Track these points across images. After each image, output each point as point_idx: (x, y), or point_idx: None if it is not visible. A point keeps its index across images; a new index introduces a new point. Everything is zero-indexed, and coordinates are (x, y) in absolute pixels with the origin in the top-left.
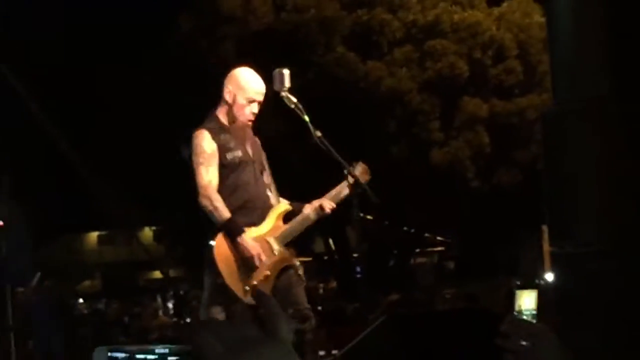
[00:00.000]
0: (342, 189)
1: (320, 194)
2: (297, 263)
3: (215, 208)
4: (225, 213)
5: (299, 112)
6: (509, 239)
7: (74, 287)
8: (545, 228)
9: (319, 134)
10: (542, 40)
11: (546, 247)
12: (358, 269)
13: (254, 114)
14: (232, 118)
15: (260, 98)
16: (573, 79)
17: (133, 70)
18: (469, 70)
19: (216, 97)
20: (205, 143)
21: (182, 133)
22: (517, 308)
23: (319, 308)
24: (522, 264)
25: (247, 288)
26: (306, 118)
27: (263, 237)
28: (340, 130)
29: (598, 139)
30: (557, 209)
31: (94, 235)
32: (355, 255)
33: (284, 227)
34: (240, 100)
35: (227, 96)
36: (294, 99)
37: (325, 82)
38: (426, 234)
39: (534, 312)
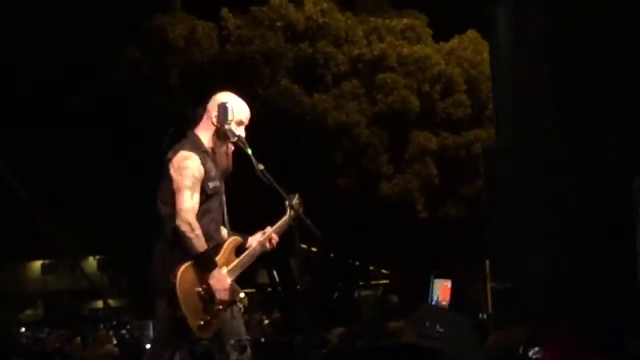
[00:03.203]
0: (284, 222)
1: (259, 225)
2: (243, 295)
3: (196, 236)
4: (204, 243)
5: (241, 144)
6: (443, 278)
7: (16, 316)
8: (488, 263)
9: (261, 167)
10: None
11: (489, 281)
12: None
13: (239, 137)
14: (218, 142)
15: (247, 121)
16: (515, 115)
17: (76, 96)
18: (419, 103)
19: (159, 124)
20: (195, 167)
21: (124, 162)
22: (433, 297)
23: (262, 340)
24: (465, 298)
25: (202, 323)
26: (249, 151)
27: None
28: (286, 162)
29: (539, 174)
30: (498, 245)
31: (37, 264)
32: (298, 287)
33: (235, 261)
34: (231, 122)
35: (215, 120)
36: (238, 132)
37: (271, 114)
38: (371, 267)
39: (448, 301)
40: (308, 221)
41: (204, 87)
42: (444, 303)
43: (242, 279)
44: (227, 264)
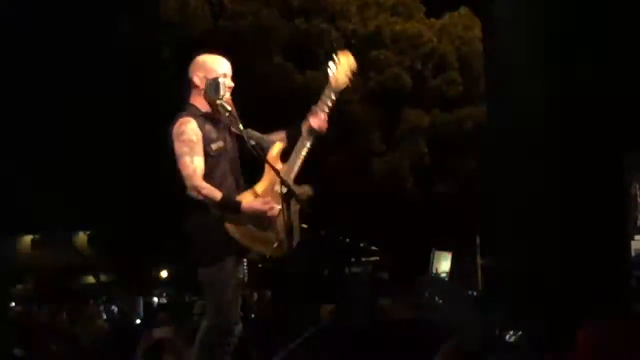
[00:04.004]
0: (331, 97)
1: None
2: (306, 190)
3: (205, 195)
4: (217, 193)
5: (233, 120)
6: (444, 250)
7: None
8: (479, 240)
9: (253, 142)
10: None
11: (480, 259)
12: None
13: (230, 87)
14: (211, 99)
15: (230, 73)
16: (507, 97)
17: (71, 72)
18: (411, 81)
19: (155, 99)
20: (192, 131)
21: (120, 137)
22: (434, 269)
23: (252, 316)
24: (455, 276)
25: (276, 244)
26: (241, 127)
27: (266, 190)
28: None
29: (530, 155)
30: (490, 224)
31: (27, 239)
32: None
33: (285, 167)
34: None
35: (198, 81)
36: (229, 108)
37: (264, 91)
38: (361, 244)
39: (448, 273)
40: (293, 189)
41: None
42: (443, 275)
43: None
44: (274, 180)
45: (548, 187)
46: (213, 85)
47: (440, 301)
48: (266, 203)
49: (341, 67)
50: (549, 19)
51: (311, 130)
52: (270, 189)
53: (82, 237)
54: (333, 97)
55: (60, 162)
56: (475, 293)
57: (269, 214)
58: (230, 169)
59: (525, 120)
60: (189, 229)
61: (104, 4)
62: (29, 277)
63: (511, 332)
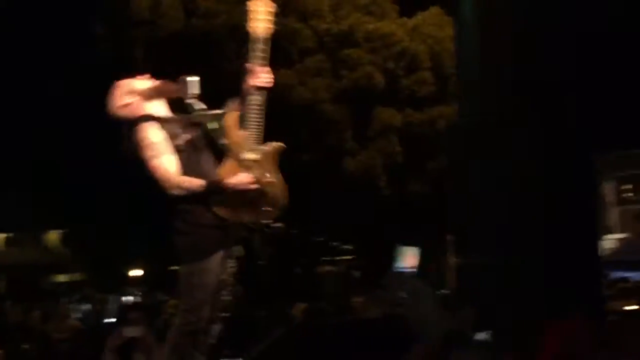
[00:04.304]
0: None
1: None
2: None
3: (188, 188)
4: (198, 182)
5: (204, 119)
6: (410, 245)
7: None
8: (450, 238)
9: (225, 141)
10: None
11: (451, 257)
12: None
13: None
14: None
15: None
16: (479, 95)
17: (41, 72)
18: (383, 80)
19: None
20: (151, 133)
21: (90, 136)
22: (399, 264)
23: (225, 314)
24: (428, 274)
25: (265, 209)
26: (213, 125)
27: (236, 163)
28: None
29: (501, 153)
30: (460, 222)
31: (1, 237)
32: (260, 263)
33: (245, 133)
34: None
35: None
36: (201, 106)
37: (237, 89)
38: (334, 243)
39: (415, 269)
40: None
41: (169, 61)
42: (410, 270)
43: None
44: (242, 143)
45: (517, 188)
46: (186, 83)
47: (406, 296)
48: (247, 175)
49: (256, 14)
50: (517, 18)
51: (251, 89)
52: (241, 160)
53: (54, 235)
54: (262, 47)
55: (31, 161)
56: (447, 291)
57: (249, 186)
58: (204, 158)
59: (494, 119)
60: (174, 223)
61: (75, 4)
62: (2, 275)
63: (480, 331)
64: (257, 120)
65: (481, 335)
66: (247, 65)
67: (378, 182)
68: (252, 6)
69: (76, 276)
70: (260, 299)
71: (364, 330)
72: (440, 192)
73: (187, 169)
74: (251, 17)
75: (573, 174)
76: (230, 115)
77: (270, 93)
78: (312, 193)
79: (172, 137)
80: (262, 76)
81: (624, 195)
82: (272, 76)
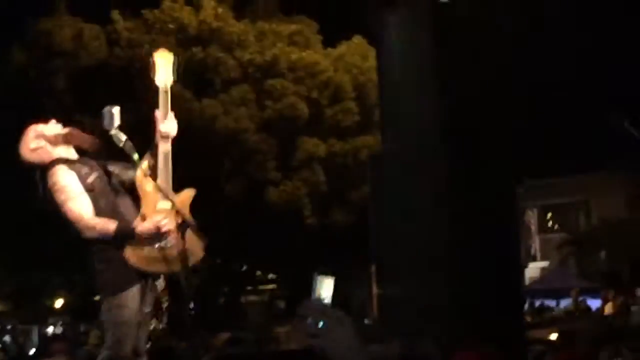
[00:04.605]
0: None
1: None
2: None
3: (99, 231)
4: (110, 225)
5: (128, 150)
6: (340, 278)
7: None
8: (374, 268)
9: (148, 171)
10: None
11: (375, 287)
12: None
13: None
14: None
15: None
16: (401, 125)
17: None
18: (307, 110)
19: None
20: (61, 177)
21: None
22: (317, 294)
23: (147, 346)
24: (352, 303)
25: (171, 261)
26: (135, 157)
27: (151, 211)
28: (173, 166)
29: (422, 185)
30: (381, 252)
31: None
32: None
33: (158, 183)
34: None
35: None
36: (124, 137)
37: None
38: (258, 272)
39: (330, 299)
40: (193, 222)
41: (91, 91)
42: (326, 300)
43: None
44: (155, 194)
45: (438, 216)
46: (108, 114)
47: (323, 326)
48: (156, 222)
49: (161, 67)
50: (440, 47)
51: (161, 135)
52: (154, 208)
53: None
54: (166, 96)
55: None
56: (369, 321)
57: (162, 231)
58: (115, 199)
59: (417, 150)
60: (91, 261)
61: None
62: None
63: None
64: (166, 168)
65: None
66: (156, 113)
67: (303, 212)
68: (157, 58)
69: None
70: (182, 329)
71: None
72: (363, 222)
73: (102, 209)
74: (155, 68)
75: (496, 201)
76: (144, 164)
77: (190, 126)
78: (235, 222)
79: (81, 177)
80: (166, 122)
81: (547, 223)
82: (176, 125)
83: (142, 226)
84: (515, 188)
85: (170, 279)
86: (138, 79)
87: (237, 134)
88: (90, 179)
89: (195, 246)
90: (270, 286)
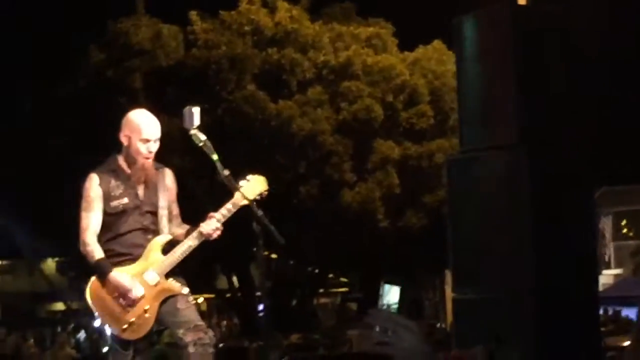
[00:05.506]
0: (229, 209)
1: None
2: (185, 291)
3: (88, 252)
4: (97, 254)
5: (207, 150)
6: (412, 281)
7: None
8: (448, 272)
9: (226, 172)
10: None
11: (449, 291)
12: (261, 307)
13: (150, 152)
14: (131, 160)
15: (155, 137)
16: (480, 128)
17: (42, 98)
18: (382, 113)
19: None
20: (92, 187)
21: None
22: (384, 302)
23: (220, 345)
24: (424, 307)
25: (125, 326)
26: (214, 157)
27: (138, 273)
28: (249, 167)
29: (502, 188)
30: (460, 256)
31: None
32: (258, 293)
33: (162, 258)
34: (136, 141)
35: (124, 139)
36: (203, 137)
37: (236, 120)
38: (330, 275)
39: (397, 305)
40: (272, 227)
41: (167, 91)
42: (393, 308)
43: (201, 285)
44: (150, 264)
45: (517, 221)
46: (188, 114)
47: (391, 334)
48: (131, 285)
49: (252, 187)
50: (521, 49)
51: (200, 234)
52: (140, 273)
53: (50, 264)
54: (232, 210)
55: (29, 190)
56: (442, 325)
57: (130, 295)
58: (137, 224)
59: (494, 152)
60: None
61: (76, 34)
62: None
63: None
64: (178, 256)
65: None
66: (211, 213)
67: (376, 214)
68: (254, 178)
69: (72, 305)
70: (256, 329)
71: None
72: (438, 225)
73: (110, 230)
74: (249, 184)
75: (573, 207)
76: (164, 238)
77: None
78: (309, 224)
79: (107, 197)
80: (214, 230)
81: (621, 230)
82: (220, 230)
83: (118, 277)
84: (595, 193)
85: (246, 279)
86: (214, 79)
87: (314, 136)
88: (115, 203)
89: (144, 328)
90: (342, 289)
